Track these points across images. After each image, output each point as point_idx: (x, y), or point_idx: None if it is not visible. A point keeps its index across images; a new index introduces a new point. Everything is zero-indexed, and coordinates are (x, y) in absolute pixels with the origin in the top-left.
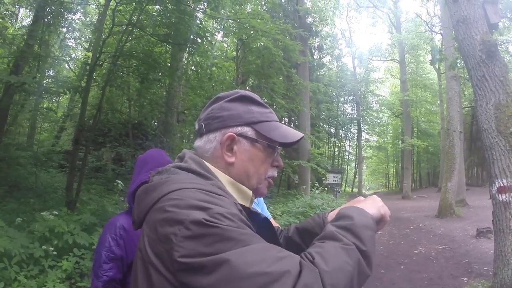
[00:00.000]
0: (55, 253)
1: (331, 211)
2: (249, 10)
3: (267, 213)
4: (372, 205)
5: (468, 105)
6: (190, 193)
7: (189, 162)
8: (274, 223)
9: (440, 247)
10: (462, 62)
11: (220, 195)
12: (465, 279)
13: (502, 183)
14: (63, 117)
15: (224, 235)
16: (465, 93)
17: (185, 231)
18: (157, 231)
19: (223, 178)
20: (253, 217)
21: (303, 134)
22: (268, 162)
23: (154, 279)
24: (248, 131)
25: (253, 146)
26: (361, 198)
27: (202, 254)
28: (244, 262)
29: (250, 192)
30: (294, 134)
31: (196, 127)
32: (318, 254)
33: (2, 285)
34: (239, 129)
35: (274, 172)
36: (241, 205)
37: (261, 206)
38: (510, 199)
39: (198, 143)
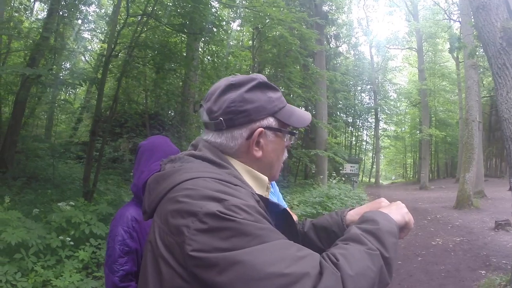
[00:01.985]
0: (72, 243)
1: (350, 209)
2: None
3: (283, 203)
4: (397, 211)
5: (487, 95)
6: (205, 182)
7: (203, 150)
8: (291, 213)
9: (458, 239)
10: (482, 50)
11: (236, 185)
12: (483, 272)
13: None
14: (80, 108)
15: (240, 229)
16: (484, 82)
17: (198, 224)
18: (168, 222)
19: (239, 166)
20: (271, 208)
21: (310, 115)
22: (285, 146)
23: (164, 272)
24: (272, 122)
25: (276, 135)
26: (384, 200)
27: (217, 249)
28: (261, 261)
29: (266, 179)
30: (306, 116)
31: (206, 118)
32: (343, 256)
33: (19, 275)
34: (265, 122)
35: (286, 154)
36: (258, 195)
37: (277, 195)
38: None
39: (218, 139)
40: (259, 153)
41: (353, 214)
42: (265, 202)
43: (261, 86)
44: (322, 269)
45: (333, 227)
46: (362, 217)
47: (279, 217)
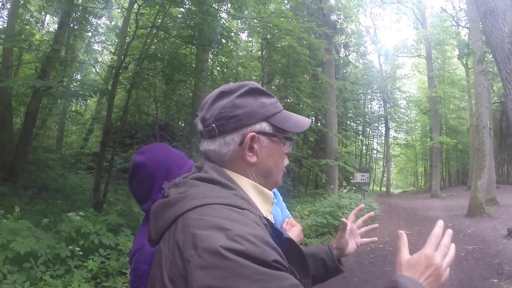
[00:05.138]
0: (81, 253)
1: (336, 241)
2: (273, 9)
3: (286, 213)
4: (434, 281)
5: (498, 101)
6: (211, 210)
7: (209, 172)
8: (295, 223)
9: (470, 248)
10: (491, 56)
11: (243, 208)
12: (495, 280)
13: None
14: (90, 119)
15: (238, 270)
16: (494, 88)
17: (197, 259)
18: (174, 253)
19: (246, 183)
20: (276, 233)
21: (309, 121)
22: (284, 153)
23: None
24: (265, 126)
25: (271, 141)
26: (429, 260)
27: (209, 287)
28: None
29: (272, 194)
30: (304, 121)
31: (200, 127)
32: None
33: (28, 284)
34: (257, 127)
35: (287, 161)
36: (266, 219)
37: (280, 205)
38: None
39: (211, 146)
40: (253, 159)
41: (337, 244)
42: (271, 227)
43: (253, 92)
44: None
45: (321, 254)
46: (390, 281)
47: (285, 243)
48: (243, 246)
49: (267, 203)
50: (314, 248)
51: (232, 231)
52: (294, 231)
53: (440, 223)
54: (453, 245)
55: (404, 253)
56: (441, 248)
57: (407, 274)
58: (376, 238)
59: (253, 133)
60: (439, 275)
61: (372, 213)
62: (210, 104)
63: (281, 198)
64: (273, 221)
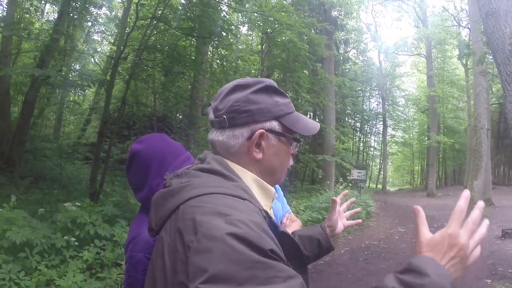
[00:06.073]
0: (76, 243)
1: (328, 219)
2: (274, 3)
3: (287, 208)
4: (458, 262)
5: (496, 102)
6: (211, 199)
7: (212, 163)
8: (295, 218)
9: None
10: (491, 57)
11: (244, 199)
12: (488, 281)
13: None
14: (88, 110)
15: (232, 256)
16: (493, 89)
17: (196, 244)
18: (175, 240)
19: (248, 176)
20: (273, 227)
21: (319, 125)
22: (290, 153)
23: None
24: (275, 125)
25: (279, 140)
26: (453, 239)
27: (204, 270)
28: None
29: (273, 190)
30: (313, 125)
31: (212, 116)
32: None
33: (23, 274)
34: (268, 124)
35: (292, 161)
36: (265, 211)
37: (281, 200)
38: None
39: (220, 137)
40: (259, 155)
41: (329, 224)
42: (270, 220)
43: (268, 90)
44: None
45: (317, 235)
46: (409, 264)
47: (280, 236)
48: (242, 229)
49: (267, 198)
50: (309, 230)
51: (232, 216)
52: (294, 226)
53: (465, 194)
54: (486, 221)
55: (424, 232)
56: (467, 225)
57: (427, 255)
58: (360, 220)
59: (262, 130)
60: (465, 256)
61: (353, 199)
62: (224, 96)
63: (282, 193)
64: (272, 216)
